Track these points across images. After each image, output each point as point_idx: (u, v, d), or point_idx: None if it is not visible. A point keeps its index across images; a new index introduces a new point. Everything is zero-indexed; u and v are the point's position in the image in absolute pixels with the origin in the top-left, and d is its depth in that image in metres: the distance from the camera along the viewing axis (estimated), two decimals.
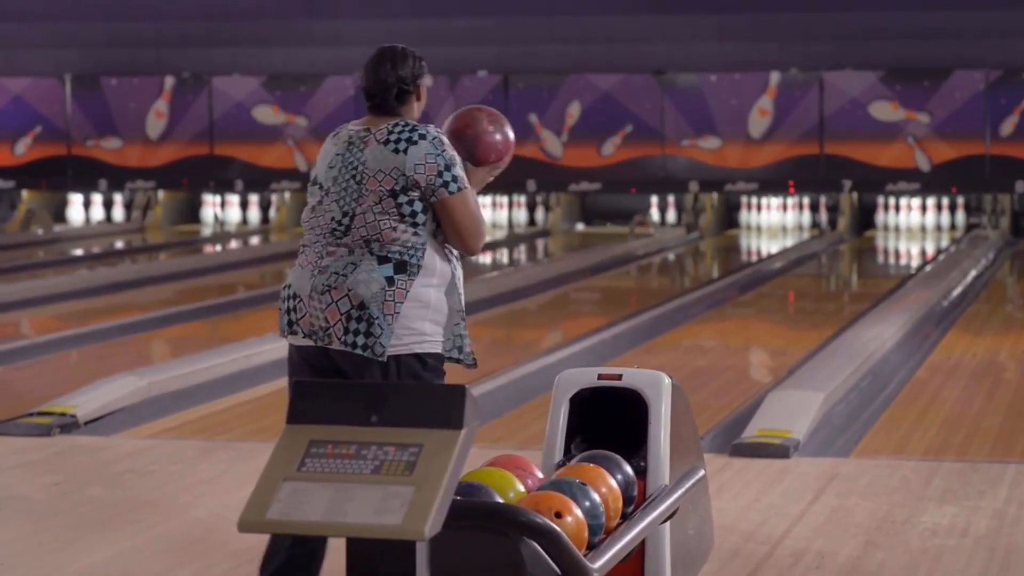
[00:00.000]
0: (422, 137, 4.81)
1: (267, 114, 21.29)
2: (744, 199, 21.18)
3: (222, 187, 22.00)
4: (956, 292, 14.44)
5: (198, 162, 21.83)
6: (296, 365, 4.95)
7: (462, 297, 4.95)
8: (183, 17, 22.45)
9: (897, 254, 19.35)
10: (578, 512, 4.37)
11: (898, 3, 20.68)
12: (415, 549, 3.69)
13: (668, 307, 13.49)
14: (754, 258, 18.93)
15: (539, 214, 21.75)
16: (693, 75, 20.56)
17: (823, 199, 20.94)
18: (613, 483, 4.66)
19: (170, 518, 6.55)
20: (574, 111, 20.85)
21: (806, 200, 21.04)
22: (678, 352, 11.29)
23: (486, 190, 21.34)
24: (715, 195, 20.95)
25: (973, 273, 16.01)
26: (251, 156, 21.55)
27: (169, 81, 21.90)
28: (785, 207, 21.08)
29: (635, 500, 4.87)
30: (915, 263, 18.00)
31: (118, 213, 22.75)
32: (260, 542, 6.01)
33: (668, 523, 5.00)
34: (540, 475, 4.75)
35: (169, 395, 9.34)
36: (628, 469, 4.87)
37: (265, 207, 22.34)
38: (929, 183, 20.08)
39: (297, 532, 3.69)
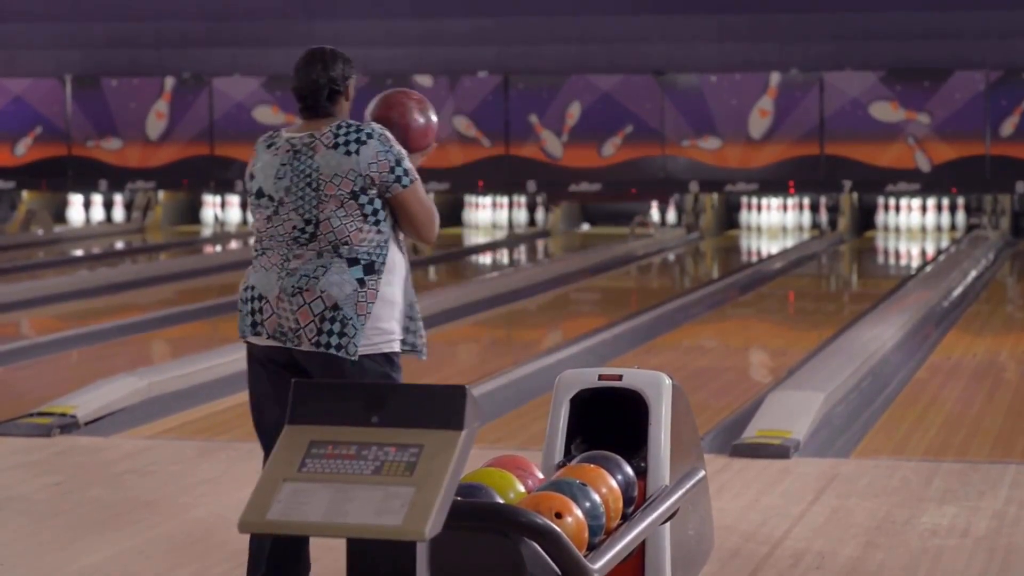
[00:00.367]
0: (369, 136, 4.87)
1: (267, 114, 21.28)
2: (744, 199, 21.18)
3: (222, 187, 22.00)
4: (956, 292, 14.44)
5: (198, 162, 21.83)
6: (261, 364, 4.98)
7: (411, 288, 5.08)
8: (183, 17, 22.46)
9: (897, 254, 19.35)
10: (578, 513, 4.37)
11: (898, 3, 20.68)
12: (415, 550, 3.70)
13: (668, 307, 13.49)
14: (754, 258, 18.93)
15: (539, 214, 21.75)
16: (693, 75, 20.56)
17: (823, 199, 20.94)
18: (613, 484, 4.66)
19: (170, 518, 6.55)
20: (574, 111, 20.85)
21: (806, 200, 21.03)
22: (678, 352, 11.29)
23: (487, 191, 21.38)
24: (715, 195, 20.95)
25: (973, 273, 16.01)
26: (251, 157, 21.53)
27: (169, 81, 21.90)
28: (785, 207, 21.08)
29: (635, 501, 4.87)
30: (915, 263, 18.00)
31: (118, 213, 22.75)
32: None
33: (668, 524, 5.00)
34: (540, 475, 4.75)
35: (169, 395, 9.34)
36: (628, 470, 4.87)
37: None
38: (929, 183, 20.08)
39: (297, 533, 3.69)
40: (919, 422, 8.63)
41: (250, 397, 5.12)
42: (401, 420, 3.80)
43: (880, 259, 19.12)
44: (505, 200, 21.77)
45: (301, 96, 4.98)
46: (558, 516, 4.30)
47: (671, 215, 21.54)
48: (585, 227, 21.74)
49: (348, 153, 4.86)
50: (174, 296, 15.01)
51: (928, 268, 16.40)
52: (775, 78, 20.34)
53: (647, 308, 13.36)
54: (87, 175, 22.23)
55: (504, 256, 19.39)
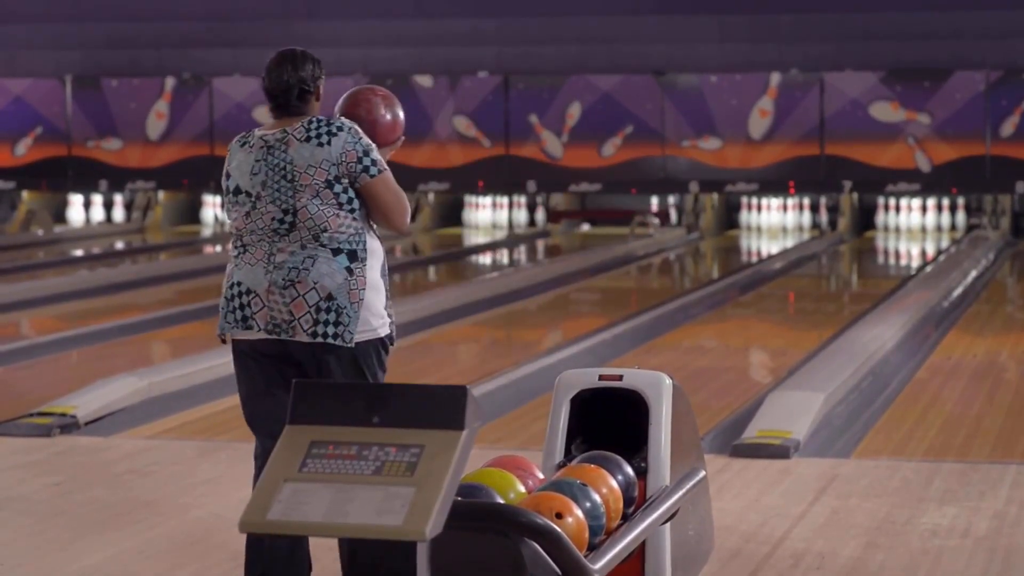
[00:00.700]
0: (339, 129, 5.05)
1: (267, 115, 21.20)
2: (744, 200, 21.18)
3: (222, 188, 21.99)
4: (956, 293, 14.44)
5: (198, 163, 21.83)
6: (252, 358, 5.13)
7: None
8: (184, 18, 22.46)
9: (897, 255, 19.35)
10: (579, 513, 4.37)
11: (898, 3, 20.68)
12: (416, 550, 3.70)
13: (668, 308, 13.49)
14: (754, 259, 18.93)
15: (539, 214, 21.75)
16: (693, 76, 20.56)
17: (823, 200, 20.94)
18: (614, 484, 4.66)
19: (170, 518, 6.54)
20: (574, 112, 20.85)
21: (806, 201, 21.04)
22: (678, 353, 11.29)
23: (487, 191, 21.38)
24: (715, 196, 20.95)
25: (973, 274, 16.01)
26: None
27: (170, 82, 21.90)
28: (785, 208, 21.08)
29: (636, 501, 4.87)
30: (915, 264, 18.00)
31: (118, 214, 22.75)
32: None
33: (668, 524, 5.00)
34: (541, 476, 4.75)
35: (169, 395, 9.34)
36: (629, 470, 4.87)
37: None
38: (929, 184, 20.08)
39: (298, 533, 3.69)
40: (919, 422, 8.63)
41: (240, 392, 5.22)
42: (402, 420, 3.80)
43: (880, 259, 19.12)
44: (505, 200, 21.78)
45: (272, 95, 5.19)
46: (558, 516, 4.30)
47: (671, 215, 21.54)
48: (585, 227, 21.74)
49: (320, 145, 5.02)
50: (174, 296, 15.01)
51: (928, 268, 16.40)
52: (775, 78, 20.34)
53: (647, 308, 13.36)
54: (87, 175, 22.23)
55: (504, 256, 19.39)
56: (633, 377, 5.22)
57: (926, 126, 19.94)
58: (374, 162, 5.05)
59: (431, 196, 21.38)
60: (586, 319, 13.60)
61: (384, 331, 5.08)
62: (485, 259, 19.34)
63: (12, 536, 6.31)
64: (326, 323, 4.97)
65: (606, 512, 4.53)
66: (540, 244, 20.32)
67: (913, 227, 20.65)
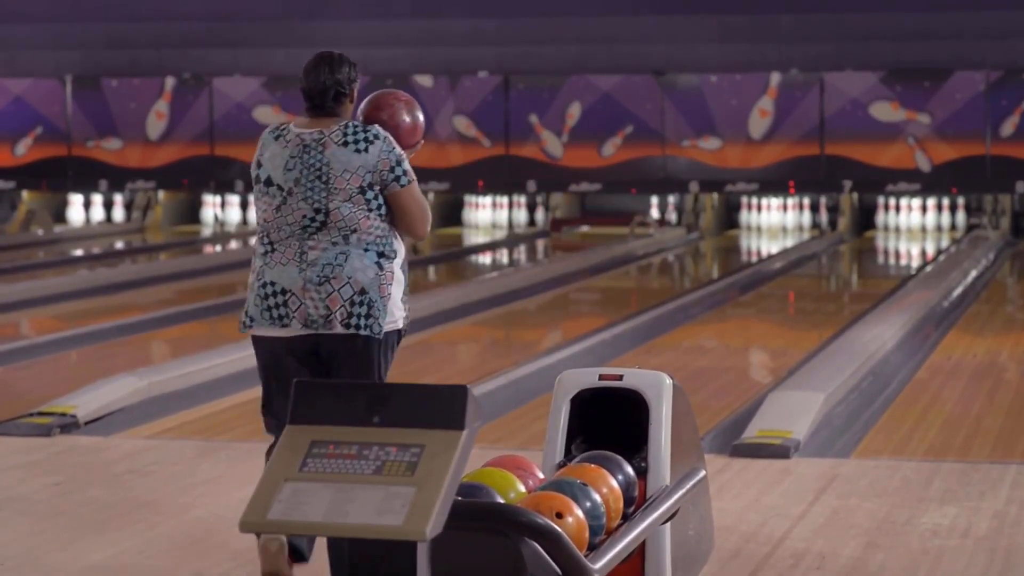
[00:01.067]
0: (375, 137, 5.27)
1: (268, 115, 21.28)
2: (744, 199, 21.18)
3: (222, 188, 22.00)
4: (956, 293, 14.44)
5: (198, 163, 21.83)
6: (286, 355, 5.30)
7: None
8: (184, 18, 22.45)
9: (897, 254, 19.34)
10: (579, 512, 4.37)
11: (898, 3, 20.67)
12: (416, 549, 3.69)
13: (668, 307, 13.49)
14: (754, 258, 18.92)
15: (539, 214, 21.75)
16: (694, 76, 20.56)
17: (823, 199, 20.93)
18: (614, 483, 4.66)
19: (170, 518, 6.54)
20: (574, 112, 20.84)
21: (806, 200, 21.03)
22: (678, 352, 11.29)
23: (487, 191, 21.37)
24: (715, 195, 20.95)
25: (973, 273, 16.01)
26: (251, 157, 21.47)
27: (170, 82, 21.90)
28: (785, 207, 21.08)
29: (636, 501, 4.87)
30: (915, 263, 17.99)
31: (118, 213, 22.74)
32: None
33: (669, 524, 5.00)
34: (541, 475, 4.75)
35: (169, 395, 9.34)
36: (629, 470, 4.87)
37: None
38: (929, 184, 20.07)
39: (298, 532, 3.69)
40: (919, 422, 8.63)
41: (268, 388, 5.38)
42: (402, 420, 3.80)
43: (880, 259, 19.12)
44: (505, 200, 21.77)
45: (309, 96, 5.35)
46: (559, 516, 4.30)
47: (672, 217, 21.54)
48: (585, 227, 21.75)
49: (358, 151, 5.23)
50: (174, 296, 15.00)
51: (928, 268, 16.40)
52: (775, 78, 20.34)
53: (647, 308, 13.36)
54: (87, 175, 22.23)
55: (504, 256, 19.38)
56: (633, 377, 5.22)
57: (926, 126, 19.93)
58: (405, 172, 5.28)
59: (431, 196, 21.39)
60: (586, 319, 13.60)
61: (402, 323, 5.36)
62: (485, 259, 19.34)
63: (12, 536, 6.31)
64: (359, 315, 5.21)
65: (606, 512, 4.53)
66: (540, 244, 20.32)
67: (913, 227, 20.65)
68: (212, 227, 22.36)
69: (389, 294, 5.27)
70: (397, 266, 5.33)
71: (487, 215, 21.80)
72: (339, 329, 5.22)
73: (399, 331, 5.37)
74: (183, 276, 16.56)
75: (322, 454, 3.77)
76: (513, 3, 21.74)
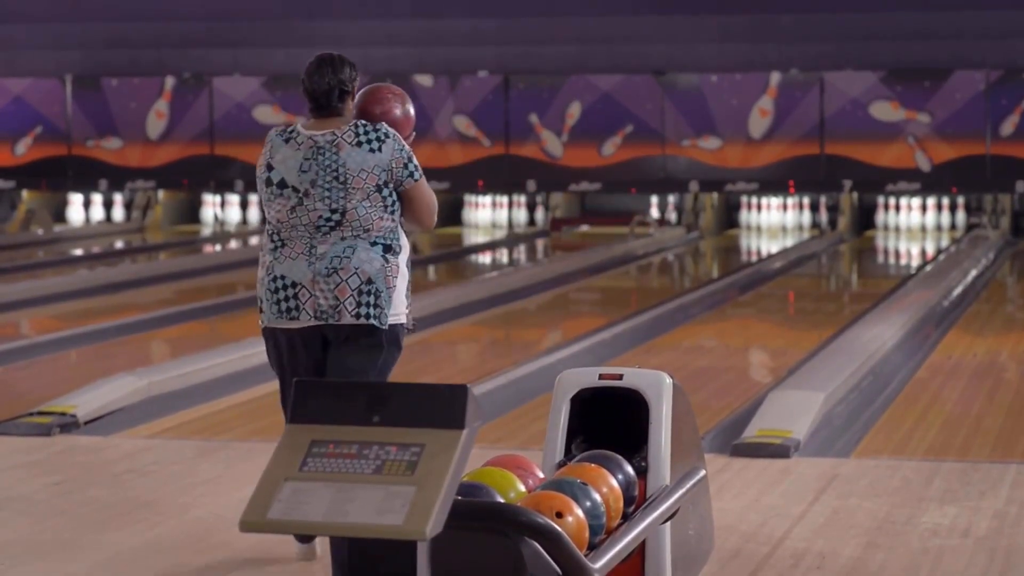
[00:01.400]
0: (386, 136, 5.44)
1: (268, 114, 21.28)
2: (744, 199, 21.18)
3: (222, 187, 22.00)
4: (956, 292, 14.44)
5: (198, 162, 21.83)
6: (299, 346, 5.45)
7: None
8: (184, 17, 22.45)
9: (897, 254, 19.34)
10: (579, 512, 4.37)
11: (898, 3, 20.67)
12: (416, 549, 3.69)
13: (668, 307, 13.49)
14: (754, 258, 18.92)
15: (539, 214, 21.75)
16: (694, 75, 20.56)
17: (823, 199, 20.94)
18: (614, 483, 4.66)
19: (170, 518, 6.54)
20: (574, 111, 20.85)
21: (806, 200, 21.03)
22: (678, 352, 11.29)
23: (487, 191, 21.37)
24: (715, 195, 20.95)
25: (973, 273, 16.01)
26: (251, 157, 21.52)
27: (170, 81, 21.90)
28: (785, 207, 21.08)
29: (636, 500, 4.87)
30: (915, 263, 17.99)
31: (118, 213, 22.74)
32: (260, 542, 6.01)
33: (669, 523, 5.00)
34: (541, 475, 4.75)
35: (169, 395, 9.33)
36: (629, 469, 4.86)
37: None
38: (929, 183, 20.07)
39: (298, 532, 3.69)
40: (919, 422, 8.63)
41: (284, 380, 5.51)
42: (402, 419, 3.80)
43: (880, 259, 19.12)
44: (505, 200, 21.77)
45: (313, 97, 5.48)
46: (559, 515, 4.30)
47: (671, 214, 21.55)
48: (585, 227, 21.75)
49: (373, 151, 5.39)
50: (174, 296, 15.00)
51: (928, 268, 16.40)
52: (775, 78, 20.34)
53: (647, 308, 13.36)
54: (87, 175, 22.23)
55: (504, 256, 19.38)
56: (633, 376, 5.22)
57: (926, 125, 19.93)
58: (416, 167, 5.47)
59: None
60: (586, 319, 13.59)
61: (405, 318, 5.51)
62: (485, 259, 19.34)
63: (12, 536, 6.30)
64: (367, 305, 5.37)
65: (606, 511, 4.52)
66: (540, 244, 20.32)
67: (913, 226, 20.65)
68: (212, 227, 22.36)
69: (394, 286, 5.41)
70: (402, 261, 5.46)
71: (487, 215, 21.80)
72: (348, 319, 5.35)
73: (401, 325, 5.48)
74: (183, 276, 16.56)
75: (322, 453, 3.77)
76: (513, 3, 21.74)
